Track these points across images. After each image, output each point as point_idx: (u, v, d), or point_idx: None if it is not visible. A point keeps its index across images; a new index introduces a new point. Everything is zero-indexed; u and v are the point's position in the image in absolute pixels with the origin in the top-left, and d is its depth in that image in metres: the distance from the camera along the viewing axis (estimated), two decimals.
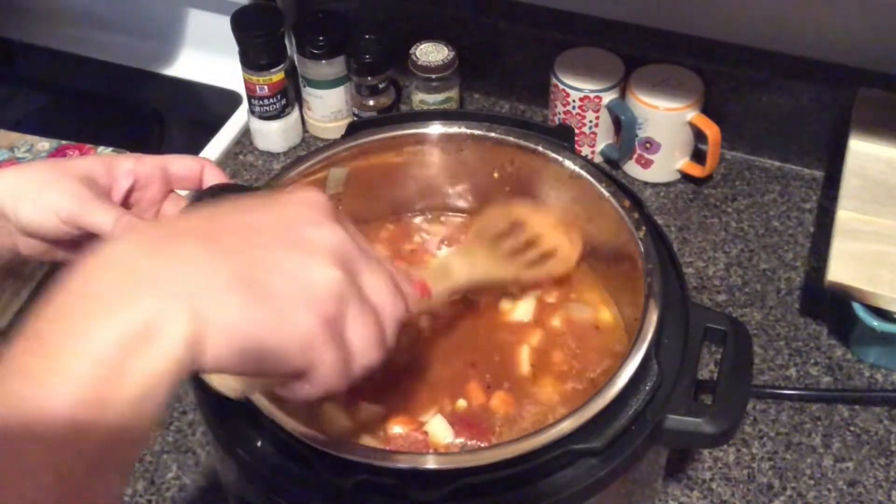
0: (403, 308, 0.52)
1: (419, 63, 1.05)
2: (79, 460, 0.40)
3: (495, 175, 0.79)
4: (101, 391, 0.40)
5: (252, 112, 1.10)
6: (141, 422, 0.42)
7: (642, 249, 0.68)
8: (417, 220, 0.83)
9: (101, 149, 1.09)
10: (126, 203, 0.71)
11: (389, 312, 0.51)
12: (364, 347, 0.49)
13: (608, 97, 1.04)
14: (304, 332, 0.46)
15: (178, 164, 0.73)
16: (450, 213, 0.83)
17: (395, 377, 0.71)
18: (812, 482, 0.80)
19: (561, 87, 1.04)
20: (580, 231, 0.77)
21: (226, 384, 0.47)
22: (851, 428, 0.84)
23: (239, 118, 1.15)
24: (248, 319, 0.44)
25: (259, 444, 0.60)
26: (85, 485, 0.40)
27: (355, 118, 1.10)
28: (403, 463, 0.57)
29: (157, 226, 0.47)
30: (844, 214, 0.89)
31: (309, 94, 1.10)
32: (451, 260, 0.73)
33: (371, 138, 0.77)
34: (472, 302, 0.76)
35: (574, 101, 1.04)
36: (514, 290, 0.76)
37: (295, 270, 0.46)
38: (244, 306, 0.44)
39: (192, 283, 0.43)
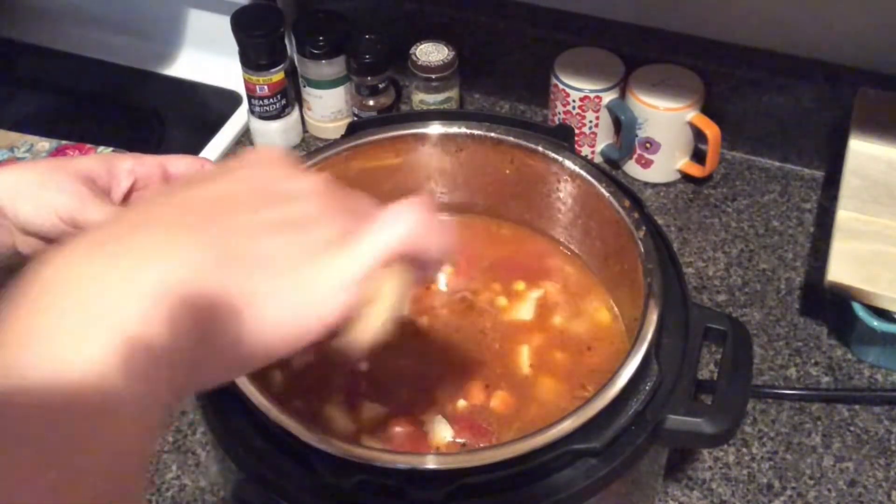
0: None
1: (419, 63, 1.05)
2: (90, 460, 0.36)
3: (495, 175, 0.79)
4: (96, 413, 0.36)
5: (252, 112, 1.10)
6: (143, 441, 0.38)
7: (642, 249, 0.68)
8: None
9: (101, 149, 1.09)
10: (125, 203, 0.71)
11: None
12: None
13: (608, 97, 1.04)
14: (342, 281, 0.42)
15: (178, 164, 0.73)
16: (449, 213, 0.83)
17: (396, 377, 0.71)
18: (812, 482, 0.80)
19: (561, 87, 1.04)
20: None
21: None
22: (851, 428, 0.84)
23: (239, 118, 1.15)
24: (279, 299, 0.40)
25: (259, 444, 0.60)
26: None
27: (355, 118, 1.10)
28: (403, 463, 0.57)
29: (109, 224, 0.41)
30: (844, 214, 0.89)
31: (309, 94, 1.10)
32: None
33: (371, 138, 0.77)
34: (473, 302, 0.76)
35: (574, 101, 1.04)
36: None
37: (294, 225, 0.42)
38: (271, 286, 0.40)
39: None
